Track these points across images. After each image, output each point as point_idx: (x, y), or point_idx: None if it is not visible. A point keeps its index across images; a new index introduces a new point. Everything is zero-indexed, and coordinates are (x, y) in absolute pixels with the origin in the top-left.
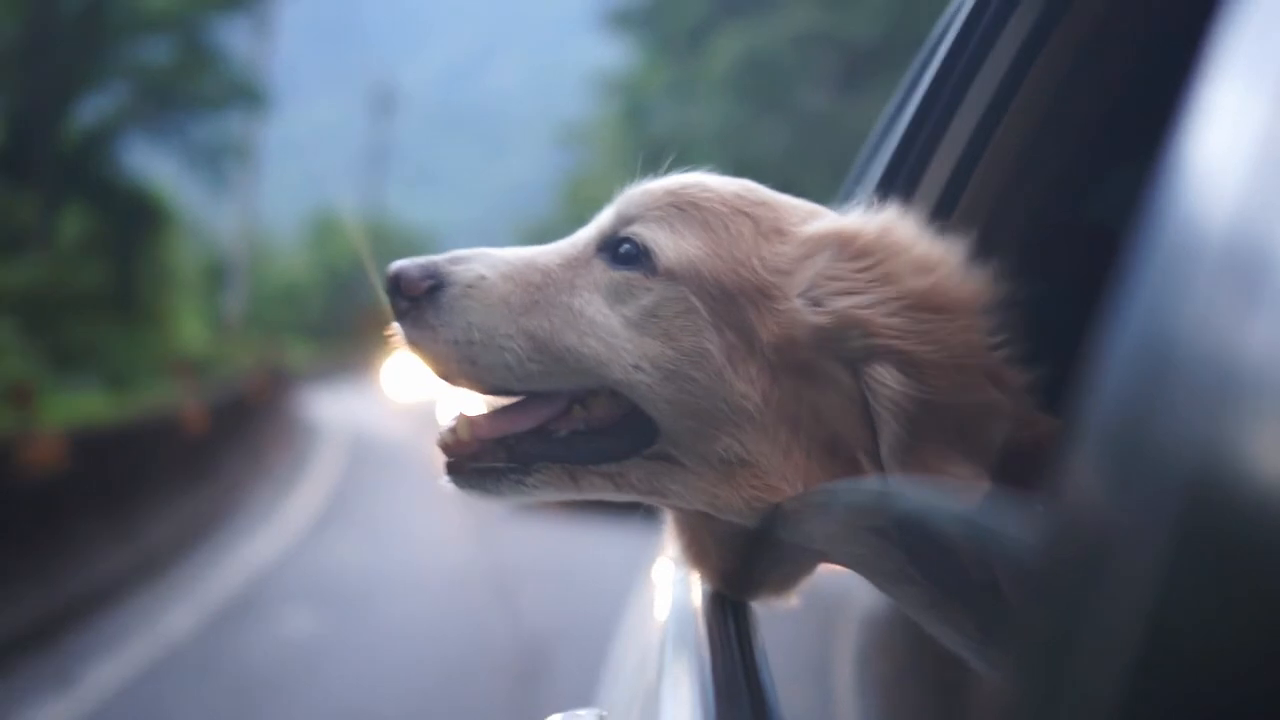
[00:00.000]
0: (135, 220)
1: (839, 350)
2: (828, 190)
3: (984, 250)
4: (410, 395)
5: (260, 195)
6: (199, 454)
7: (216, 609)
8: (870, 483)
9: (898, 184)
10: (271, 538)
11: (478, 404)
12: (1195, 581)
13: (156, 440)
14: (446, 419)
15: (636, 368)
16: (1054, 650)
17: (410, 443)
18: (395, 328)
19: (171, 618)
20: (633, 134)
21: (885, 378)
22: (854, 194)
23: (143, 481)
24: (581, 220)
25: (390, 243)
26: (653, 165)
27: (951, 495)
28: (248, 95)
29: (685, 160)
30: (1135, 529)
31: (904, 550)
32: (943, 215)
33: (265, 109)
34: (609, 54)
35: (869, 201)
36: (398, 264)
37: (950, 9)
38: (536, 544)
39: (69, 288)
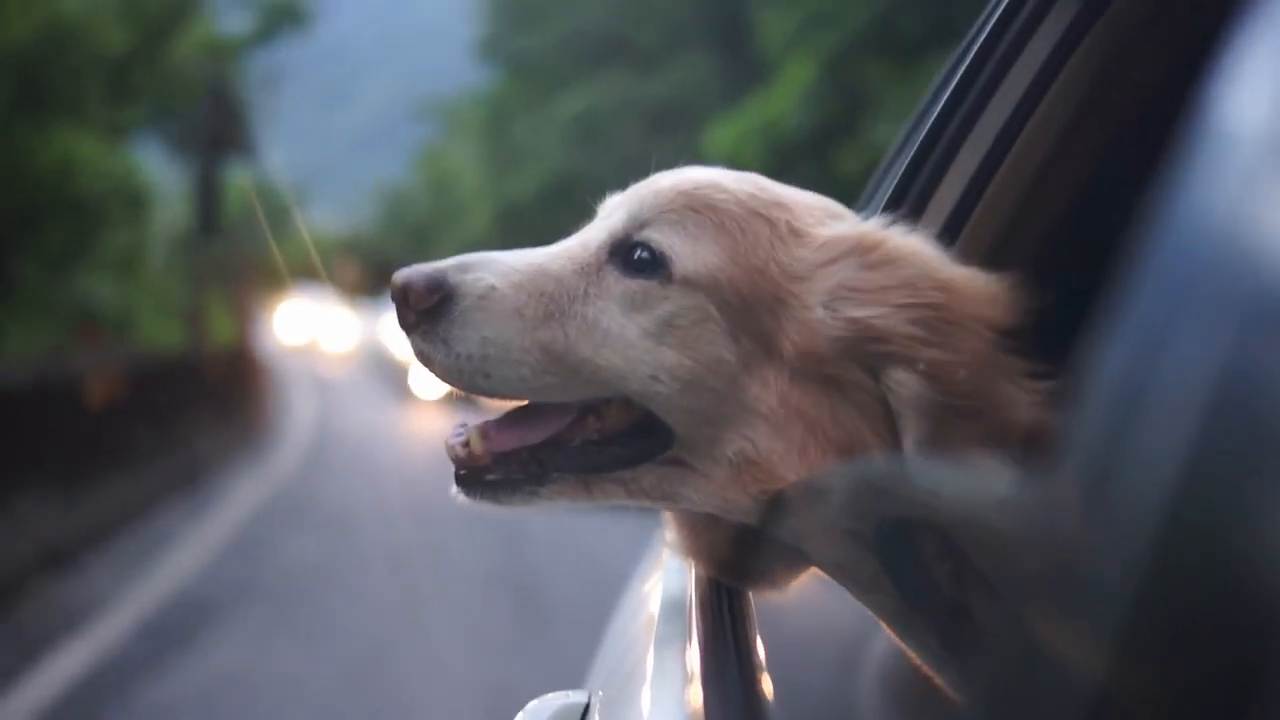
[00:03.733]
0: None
1: (859, 357)
2: None
3: (994, 264)
4: (297, 338)
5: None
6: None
7: (314, 423)
8: (874, 463)
9: (910, 198)
10: (308, 405)
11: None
12: (1168, 584)
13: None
14: (455, 429)
15: (654, 378)
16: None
17: (331, 371)
18: (405, 339)
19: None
20: (493, 133)
21: (906, 381)
22: (869, 205)
23: (242, 387)
24: (440, 191)
25: (262, 194)
26: (508, 162)
27: (948, 469)
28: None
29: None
30: (1112, 535)
31: (879, 558)
32: (953, 231)
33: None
34: (472, 74)
35: (883, 213)
36: (403, 275)
37: (973, 27)
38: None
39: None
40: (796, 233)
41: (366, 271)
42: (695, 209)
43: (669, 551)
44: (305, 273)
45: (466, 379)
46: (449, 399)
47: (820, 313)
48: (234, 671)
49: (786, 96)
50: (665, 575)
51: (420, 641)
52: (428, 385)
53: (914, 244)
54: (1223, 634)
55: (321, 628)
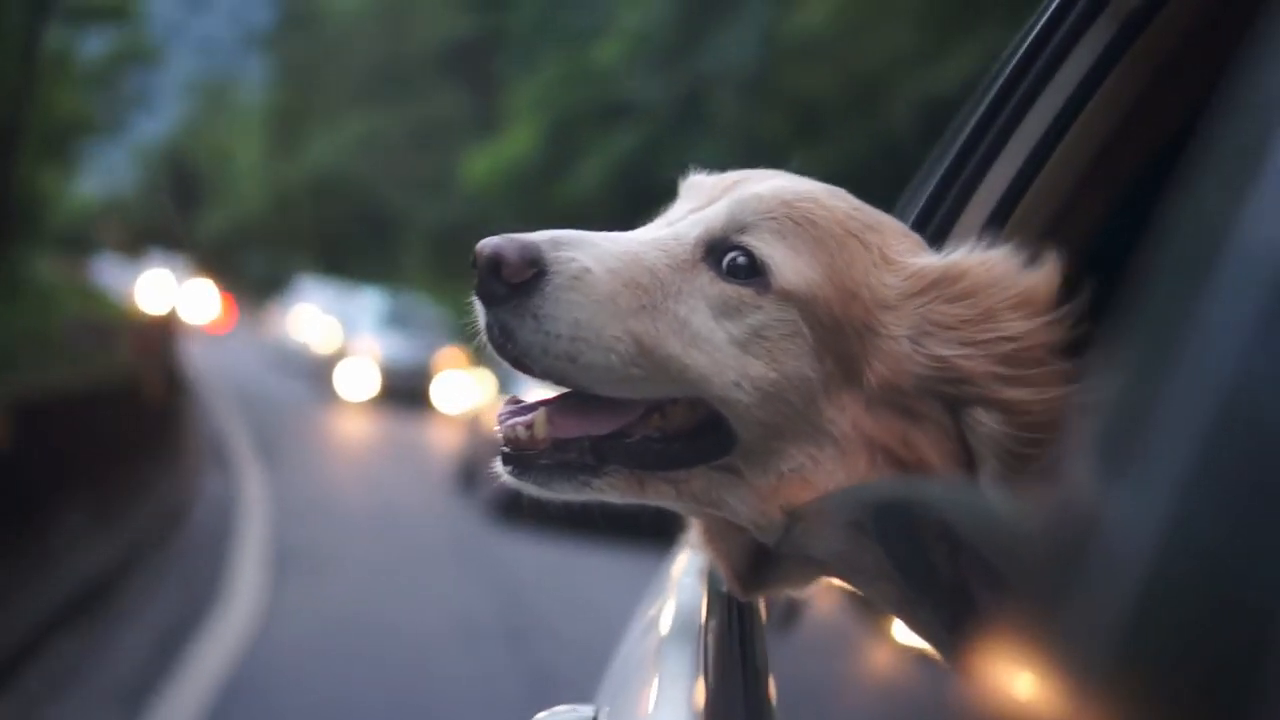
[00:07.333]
0: None
1: (940, 393)
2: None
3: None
4: (157, 308)
5: None
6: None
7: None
8: (884, 482)
9: (950, 198)
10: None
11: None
12: (1178, 576)
13: None
14: (507, 408)
15: (737, 385)
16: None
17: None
18: (483, 312)
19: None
20: (273, 127)
21: (986, 420)
22: (911, 206)
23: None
24: (220, 162)
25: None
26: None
27: (958, 488)
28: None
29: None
30: (1126, 518)
31: (880, 545)
32: (994, 230)
33: None
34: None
35: (972, 235)
36: (493, 245)
37: (1021, 30)
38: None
39: None
40: (888, 260)
41: (130, 235)
42: (796, 221)
43: (680, 573)
44: (82, 234)
45: (550, 360)
46: (378, 401)
47: (906, 345)
48: None
49: (522, 145)
50: (676, 594)
51: None
52: (355, 386)
53: (997, 271)
54: (1224, 632)
55: None
